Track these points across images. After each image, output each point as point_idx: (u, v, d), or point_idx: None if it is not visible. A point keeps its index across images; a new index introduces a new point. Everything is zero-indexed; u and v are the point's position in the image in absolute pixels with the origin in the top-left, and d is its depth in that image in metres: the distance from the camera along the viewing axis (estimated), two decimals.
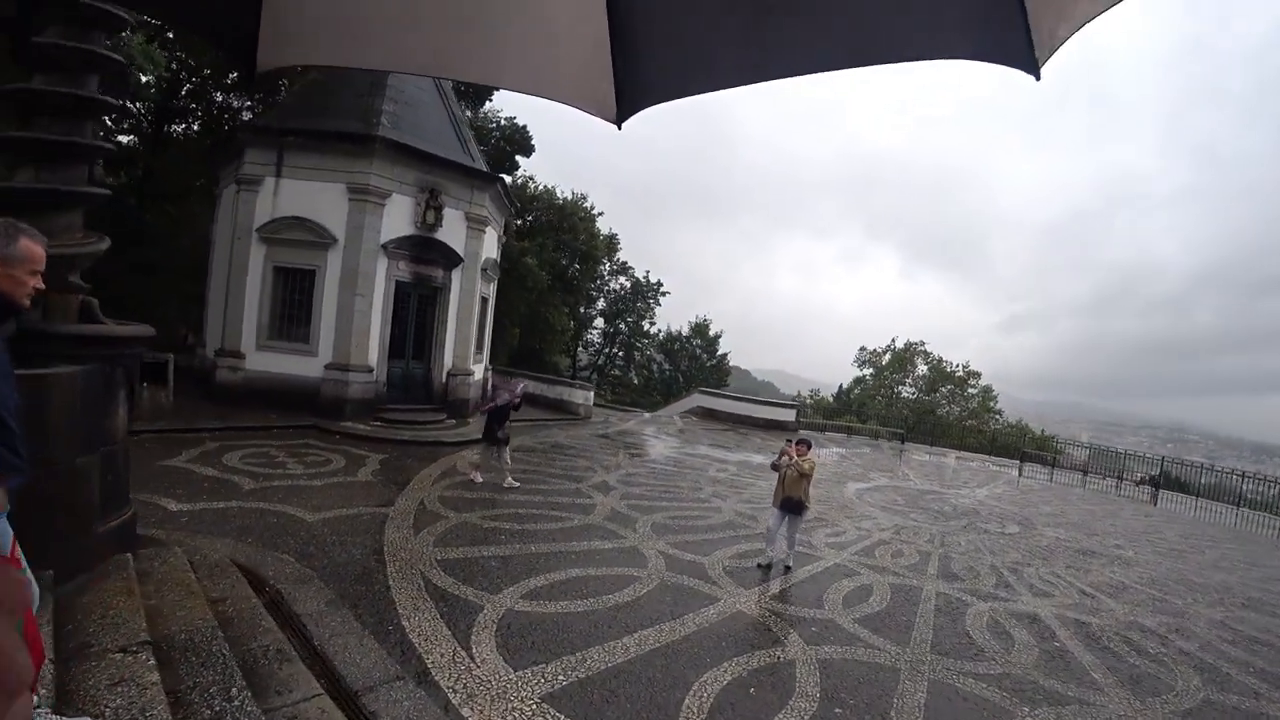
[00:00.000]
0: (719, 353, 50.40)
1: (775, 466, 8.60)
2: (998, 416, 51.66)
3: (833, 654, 5.92)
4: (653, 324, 48.98)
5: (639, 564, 7.68)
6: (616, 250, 41.61)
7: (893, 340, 54.21)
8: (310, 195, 14.99)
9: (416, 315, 16.01)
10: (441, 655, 4.86)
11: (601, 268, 42.39)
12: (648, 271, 46.99)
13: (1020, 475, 21.74)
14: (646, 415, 25.97)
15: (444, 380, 16.41)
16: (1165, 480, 21.67)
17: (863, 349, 55.43)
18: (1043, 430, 50.39)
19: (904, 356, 54.37)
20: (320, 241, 14.93)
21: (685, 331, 50.31)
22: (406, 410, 15.31)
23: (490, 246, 18.40)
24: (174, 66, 24.12)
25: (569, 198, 35.40)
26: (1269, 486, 19.15)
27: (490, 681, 4.59)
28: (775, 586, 7.65)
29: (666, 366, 50.18)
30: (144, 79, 24.61)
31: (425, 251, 15.77)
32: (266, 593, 5.50)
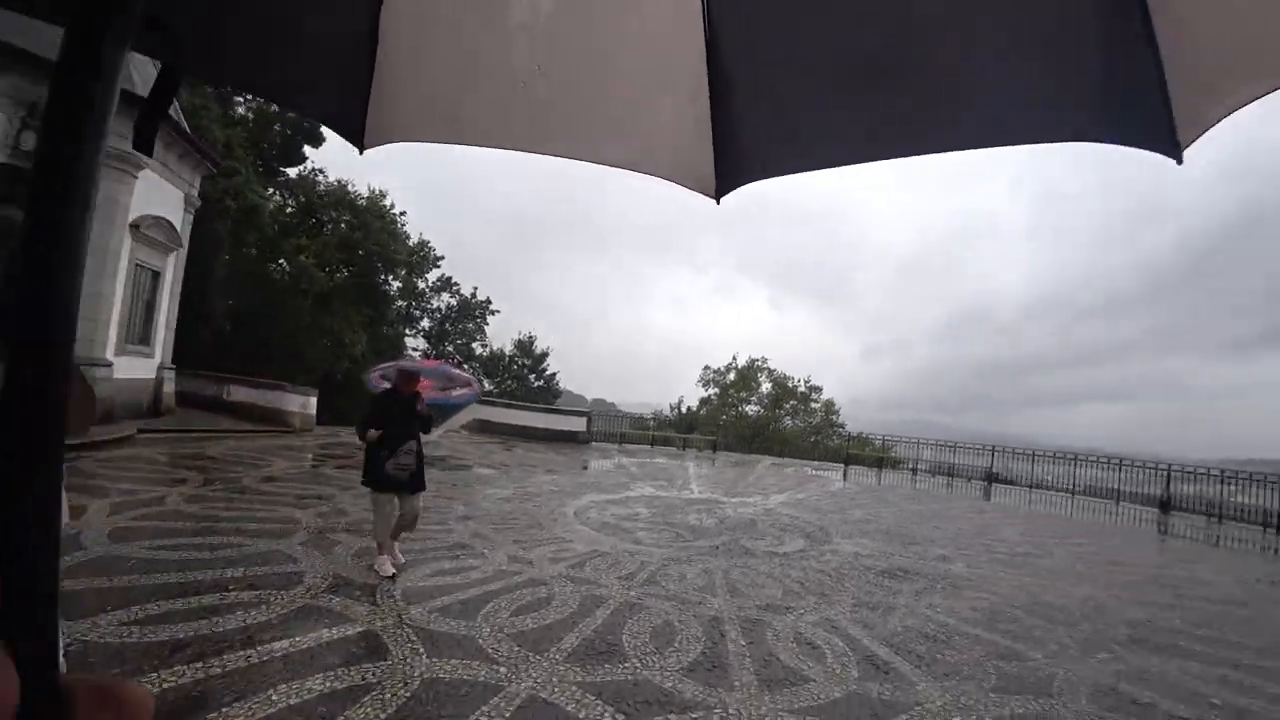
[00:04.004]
0: (546, 372, 45.04)
1: None
2: (841, 430, 49.95)
3: None
4: (484, 346, 43.10)
5: None
6: (430, 261, 35.40)
7: (734, 358, 51.46)
8: None
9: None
10: None
11: (421, 283, 36.23)
12: (475, 288, 41.15)
13: (845, 479, 18.04)
14: None
15: None
16: (996, 476, 18.86)
17: (706, 368, 52.30)
18: (883, 441, 48.84)
19: (747, 374, 51.78)
20: None
21: (509, 350, 44.61)
22: None
23: (161, 203, 13.95)
24: None
25: (365, 194, 29.29)
26: (1113, 470, 16.45)
27: None
28: None
29: (489, 388, 44.28)
30: None
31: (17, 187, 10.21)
32: None
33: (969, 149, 1.37)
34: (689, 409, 52.14)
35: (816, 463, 23.21)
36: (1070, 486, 17.12)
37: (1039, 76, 1.30)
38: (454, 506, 8.68)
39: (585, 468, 15.05)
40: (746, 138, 1.54)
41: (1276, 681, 4.89)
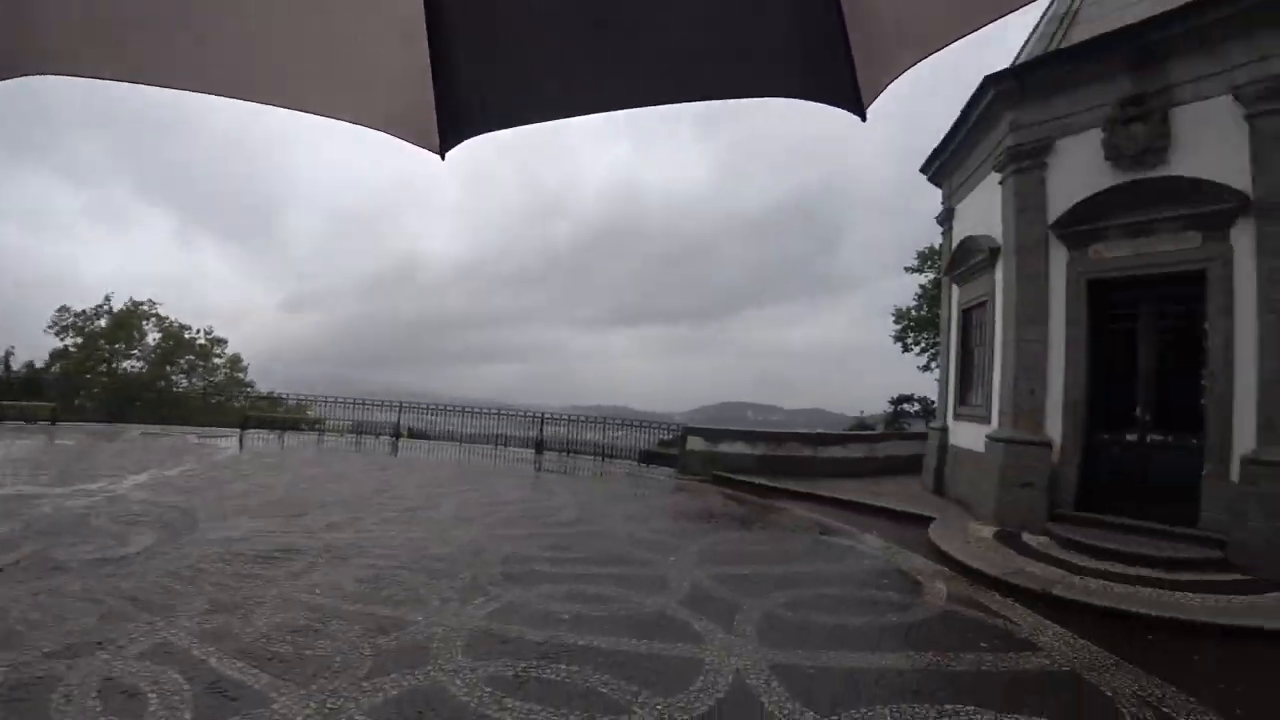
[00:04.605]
0: None
1: None
2: (249, 389, 44.67)
3: None
4: None
5: None
6: None
7: (108, 299, 40.05)
8: None
9: None
10: None
11: None
12: None
13: (240, 446, 15.77)
14: None
15: None
16: (410, 432, 19.53)
17: (64, 310, 39.18)
18: (297, 400, 45.44)
19: (127, 320, 41.06)
20: None
21: None
22: None
23: None
24: None
25: None
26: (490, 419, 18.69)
27: None
28: None
29: None
30: None
31: None
32: None
33: (682, 101, 1.47)
34: (30, 365, 38.52)
35: (208, 429, 19.84)
36: (469, 436, 18.90)
37: (743, 36, 1.38)
38: None
39: None
40: (469, 88, 1.46)
41: (602, 584, 5.87)
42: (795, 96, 1.43)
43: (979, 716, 3.72)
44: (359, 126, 1.48)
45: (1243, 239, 7.11)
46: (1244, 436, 6.97)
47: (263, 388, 46.87)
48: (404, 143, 1.52)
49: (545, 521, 8.56)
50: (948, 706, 3.82)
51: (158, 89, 1.36)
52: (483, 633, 4.62)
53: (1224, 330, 7.19)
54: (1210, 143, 7.34)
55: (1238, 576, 6.38)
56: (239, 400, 39.21)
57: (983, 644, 4.86)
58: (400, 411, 19.64)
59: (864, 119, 1.36)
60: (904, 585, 6.40)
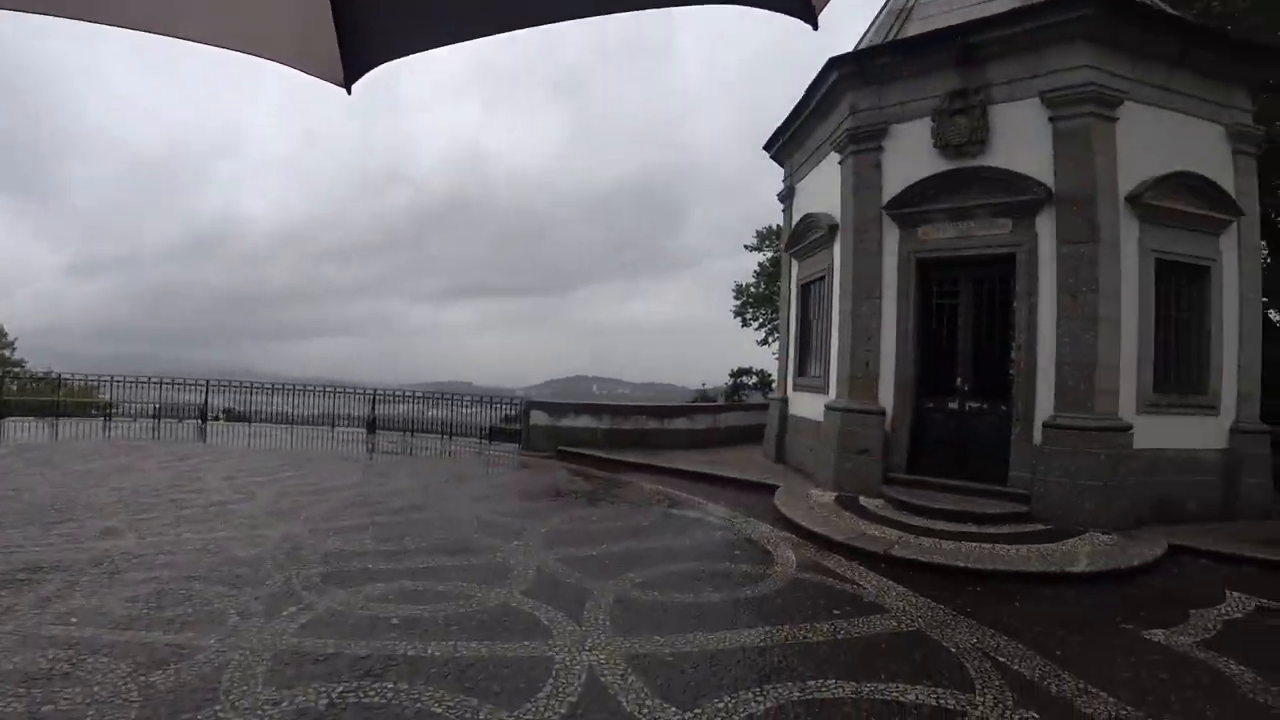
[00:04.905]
0: None
1: None
2: (18, 369, 37.69)
3: None
4: None
5: None
6: None
7: None
8: None
9: None
10: None
11: None
12: None
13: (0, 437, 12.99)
14: None
15: None
16: (227, 414, 17.23)
17: None
18: (88, 382, 38.71)
19: None
20: None
21: None
22: None
23: None
24: None
25: None
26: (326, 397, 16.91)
27: None
28: None
29: None
30: None
31: None
32: None
33: (617, 11, 1.37)
34: None
35: None
36: (297, 417, 16.97)
37: None
38: None
39: None
40: (373, 12, 1.32)
41: (439, 578, 5.24)
42: (743, 3, 1.34)
43: (840, 689, 3.61)
44: (249, 57, 1.31)
45: (1045, 226, 7.76)
46: (1045, 403, 7.64)
47: (38, 366, 39.78)
48: (305, 75, 1.35)
49: (378, 509, 7.66)
50: (810, 683, 3.67)
51: None
52: (291, 653, 3.84)
53: (1029, 308, 7.83)
54: (1022, 139, 7.92)
55: (1039, 527, 7.01)
56: (9, 383, 32.83)
57: (835, 611, 4.84)
58: (209, 391, 17.24)
59: (815, 27, 1.29)
60: (754, 555, 6.35)
